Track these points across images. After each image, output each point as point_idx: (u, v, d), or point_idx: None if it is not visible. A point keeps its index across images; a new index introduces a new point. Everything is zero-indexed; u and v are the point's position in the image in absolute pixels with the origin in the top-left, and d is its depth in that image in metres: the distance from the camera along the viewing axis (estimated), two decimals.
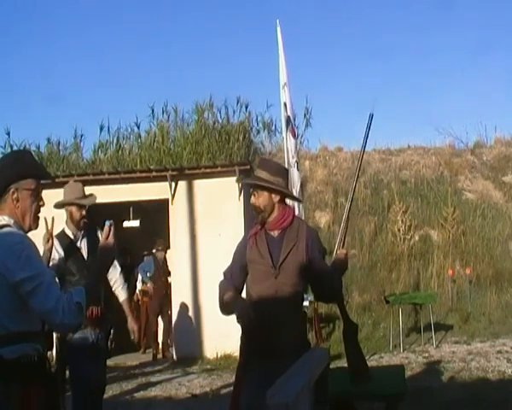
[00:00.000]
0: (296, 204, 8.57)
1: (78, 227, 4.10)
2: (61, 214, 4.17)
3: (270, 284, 2.92)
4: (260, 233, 3.02)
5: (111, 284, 4.28)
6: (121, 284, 4.31)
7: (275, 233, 3.01)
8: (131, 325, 4.35)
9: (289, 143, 8.40)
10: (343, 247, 3.08)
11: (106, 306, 4.11)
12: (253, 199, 3.05)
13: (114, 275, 4.27)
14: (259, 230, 3.03)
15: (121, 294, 4.31)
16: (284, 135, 8.60)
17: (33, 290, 2.11)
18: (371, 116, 2.93)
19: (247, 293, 3.05)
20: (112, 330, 4.30)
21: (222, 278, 3.13)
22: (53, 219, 3.64)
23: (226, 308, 3.01)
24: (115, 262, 4.08)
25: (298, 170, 8.64)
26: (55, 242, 3.86)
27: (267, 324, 2.85)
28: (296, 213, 8.51)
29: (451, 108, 28.65)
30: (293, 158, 8.39)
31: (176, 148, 15.03)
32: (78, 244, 4.11)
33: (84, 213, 4.10)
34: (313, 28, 32.66)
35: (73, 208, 4.10)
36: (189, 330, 9.23)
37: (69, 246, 4.06)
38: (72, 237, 4.10)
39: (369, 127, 2.94)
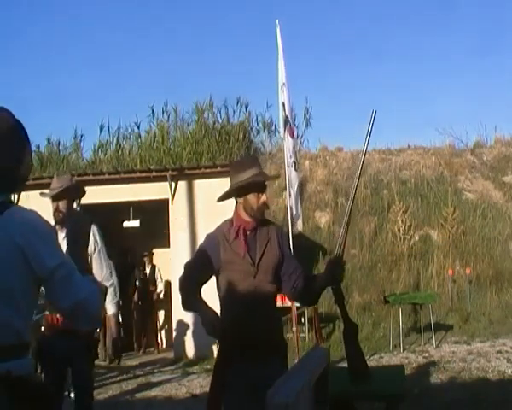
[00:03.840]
0: (294, 204, 8.58)
1: (55, 221, 3.84)
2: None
3: (249, 284, 2.88)
4: (231, 232, 2.94)
5: None
6: (112, 295, 3.97)
7: (248, 232, 2.95)
8: (115, 343, 4.19)
9: (287, 143, 8.42)
10: (343, 251, 2.99)
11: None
12: (265, 198, 2.96)
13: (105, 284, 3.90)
14: (229, 228, 2.96)
15: (110, 308, 3.98)
16: (282, 135, 8.62)
17: (67, 277, 1.78)
18: (374, 113, 2.75)
19: (222, 295, 2.97)
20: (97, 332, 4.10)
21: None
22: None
23: (189, 310, 3.07)
24: (109, 275, 3.94)
25: (296, 170, 8.66)
26: None
27: (248, 324, 2.83)
28: (294, 213, 8.58)
29: (451, 108, 28.65)
30: (290, 158, 8.41)
31: (176, 148, 15.05)
32: (60, 240, 3.70)
33: (55, 205, 3.86)
34: (313, 28, 32.67)
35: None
36: (188, 330, 9.23)
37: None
38: (58, 230, 3.80)
39: (371, 126, 2.77)
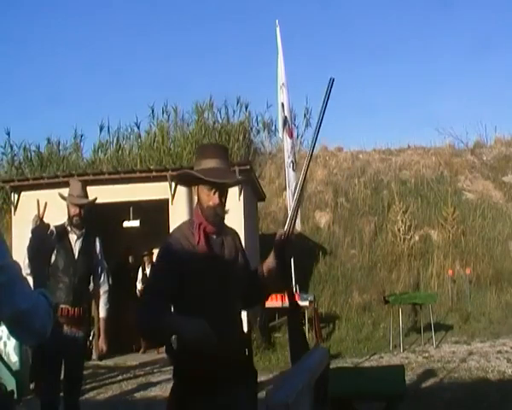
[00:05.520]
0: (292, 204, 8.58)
1: (71, 223, 4.17)
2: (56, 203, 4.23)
3: (220, 300, 2.33)
4: (194, 235, 2.39)
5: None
6: (105, 301, 4.33)
7: (213, 236, 2.42)
8: (102, 343, 4.37)
9: (286, 143, 8.42)
10: (293, 228, 2.41)
11: (88, 307, 4.26)
12: (217, 198, 2.37)
13: (102, 289, 4.31)
14: (191, 230, 2.41)
15: (102, 311, 4.33)
16: (281, 135, 8.62)
17: (9, 283, 1.60)
18: (332, 81, 2.36)
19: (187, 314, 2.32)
20: (92, 331, 4.33)
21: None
22: (46, 203, 3.81)
23: (163, 339, 2.37)
24: (106, 281, 4.31)
25: (294, 170, 8.66)
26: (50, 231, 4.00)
27: (227, 344, 2.26)
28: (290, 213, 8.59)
29: (451, 108, 28.70)
30: (288, 158, 8.41)
31: (176, 148, 15.06)
32: (73, 242, 4.15)
33: (77, 211, 4.15)
34: (313, 28, 32.68)
35: (69, 204, 4.20)
36: None
37: (63, 239, 4.11)
38: (69, 231, 4.17)
39: (328, 95, 2.36)
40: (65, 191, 4.36)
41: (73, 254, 4.12)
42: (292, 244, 2.40)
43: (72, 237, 4.15)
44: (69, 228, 4.15)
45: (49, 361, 3.98)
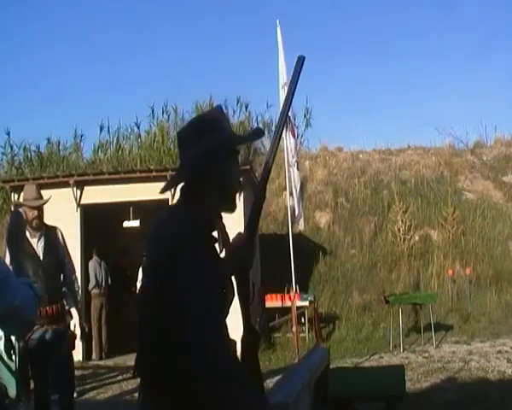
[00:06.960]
0: (296, 204, 8.57)
1: (31, 227, 4.24)
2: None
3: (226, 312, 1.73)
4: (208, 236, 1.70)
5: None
6: (73, 290, 4.45)
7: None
8: (81, 325, 4.55)
9: (289, 142, 8.41)
10: (254, 232, 1.92)
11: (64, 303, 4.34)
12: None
13: (68, 279, 4.43)
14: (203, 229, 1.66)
15: (71, 303, 4.45)
16: (284, 135, 8.60)
17: (2, 280, 1.61)
18: (302, 59, 2.19)
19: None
20: (71, 324, 4.44)
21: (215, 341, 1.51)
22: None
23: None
24: (70, 269, 4.42)
25: (298, 170, 8.66)
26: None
27: None
28: (296, 212, 8.58)
29: (451, 108, 28.70)
30: (293, 158, 8.40)
31: (176, 148, 15.04)
32: (35, 245, 4.22)
33: (35, 214, 4.22)
34: (313, 28, 32.70)
35: (26, 209, 4.27)
36: None
37: (26, 246, 4.19)
38: (28, 236, 4.23)
39: (299, 72, 2.23)
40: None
41: (38, 257, 4.20)
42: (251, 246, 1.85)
43: (33, 240, 4.23)
44: (28, 234, 4.22)
45: (37, 362, 4.06)
